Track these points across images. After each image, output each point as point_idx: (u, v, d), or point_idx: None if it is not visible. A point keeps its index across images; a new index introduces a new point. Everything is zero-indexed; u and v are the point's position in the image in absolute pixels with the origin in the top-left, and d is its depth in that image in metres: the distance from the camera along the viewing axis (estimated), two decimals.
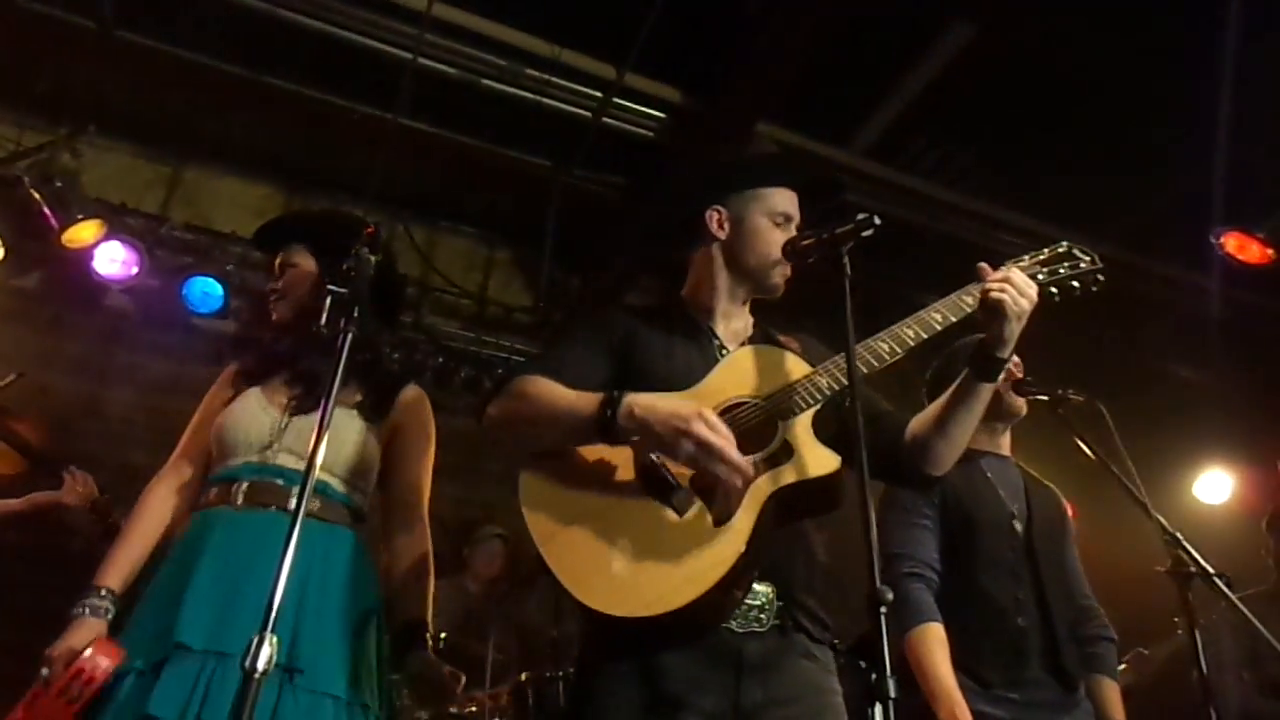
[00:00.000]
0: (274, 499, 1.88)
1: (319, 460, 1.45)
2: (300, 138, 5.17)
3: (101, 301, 4.84)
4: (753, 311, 1.87)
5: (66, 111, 4.78)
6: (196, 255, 4.91)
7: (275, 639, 1.26)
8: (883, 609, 1.14)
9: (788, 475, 1.49)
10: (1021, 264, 1.71)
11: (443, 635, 4.27)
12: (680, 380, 1.64)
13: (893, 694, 1.11)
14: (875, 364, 1.60)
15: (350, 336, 1.54)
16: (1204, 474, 5.75)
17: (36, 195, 4.34)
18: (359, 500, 2.01)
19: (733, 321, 1.83)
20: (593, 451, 1.58)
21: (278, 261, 2.17)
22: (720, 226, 1.81)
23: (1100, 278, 1.74)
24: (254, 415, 1.99)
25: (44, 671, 1.75)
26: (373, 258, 1.64)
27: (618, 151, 4.83)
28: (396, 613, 1.97)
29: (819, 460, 1.51)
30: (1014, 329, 1.56)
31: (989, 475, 2.37)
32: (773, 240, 1.76)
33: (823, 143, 4.64)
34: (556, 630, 4.01)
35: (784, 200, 1.81)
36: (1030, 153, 4.82)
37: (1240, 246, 4.37)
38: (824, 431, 1.55)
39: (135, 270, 4.62)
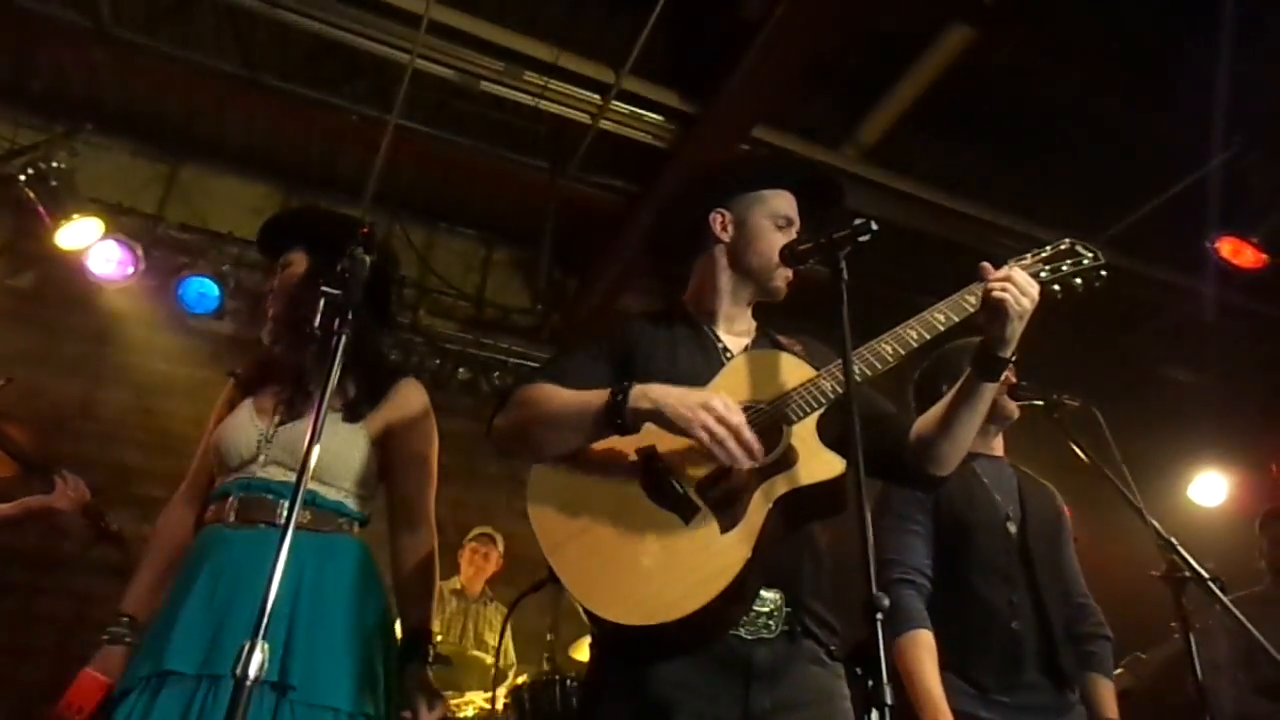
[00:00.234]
0: (263, 514, 1.84)
1: (309, 472, 1.43)
2: (298, 138, 5.17)
3: (96, 301, 4.83)
4: (756, 314, 1.87)
5: (63, 110, 4.77)
6: (192, 255, 4.90)
7: (266, 646, 1.25)
8: (879, 615, 1.13)
9: (793, 480, 1.49)
10: (1024, 262, 1.70)
11: (438, 637, 4.28)
12: (685, 383, 1.63)
13: (889, 700, 1.10)
14: (879, 366, 1.59)
15: (344, 339, 1.52)
16: (1199, 477, 5.77)
17: (31, 194, 4.33)
18: (355, 505, 1.95)
19: (736, 324, 1.82)
20: (599, 459, 1.57)
21: (279, 264, 2.15)
22: (724, 229, 1.81)
23: (1103, 274, 1.73)
24: (243, 428, 1.96)
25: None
26: (367, 258, 1.62)
27: (616, 154, 4.83)
28: (401, 619, 1.95)
29: (823, 464, 1.50)
30: (1016, 328, 1.56)
31: (983, 478, 2.36)
32: (775, 242, 1.76)
33: (820, 146, 4.65)
34: (553, 633, 4.01)
35: (785, 203, 1.82)
36: (1026, 157, 4.83)
37: (1235, 251, 4.39)
38: (828, 435, 1.55)
39: (131, 270, 4.60)
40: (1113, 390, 5.66)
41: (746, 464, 1.43)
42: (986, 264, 1.63)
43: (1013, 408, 2.40)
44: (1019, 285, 1.55)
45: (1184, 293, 5.33)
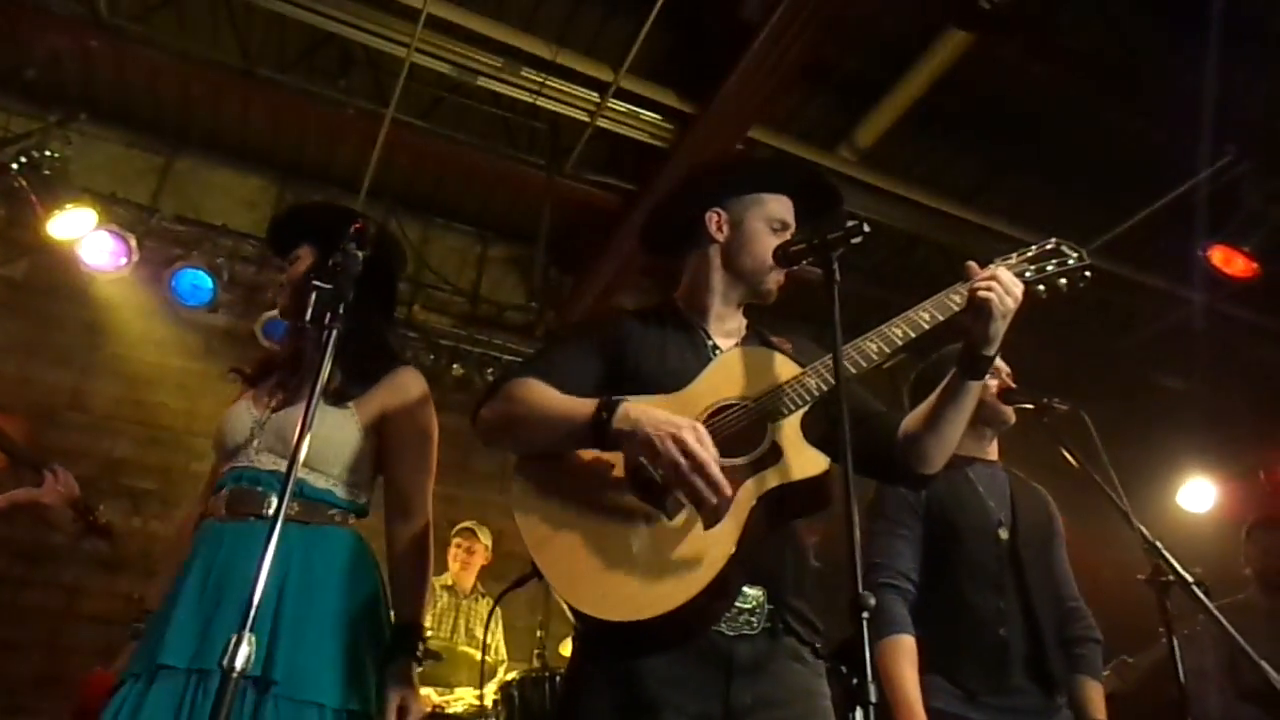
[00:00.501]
0: (251, 506, 1.84)
1: (299, 461, 1.43)
2: (294, 131, 5.16)
3: (89, 292, 4.81)
4: (747, 313, 1.88)
5: (57, 99, 4.75)
6: (186, 247, 4.89)
7: (253, 638, 1.25)
8: (865, 615, 1.14)
9: (776, 477, 1.50)
10: (1009, 262, 1.71)
11: (428, 633, 4.28)
12: (673, 380, 1.64)
13: (874, 699, 1.11)
14: (864, 364, 1.60)
15: (335, 333, 1.52)
16: (1188, 483, 5.81)
17: (24, 183, 4.31)
18: (345, 493, 1.93)
19: (726, 323, 1.83)
20: (585, 456, 1.57)
21: (287, 259, 2.16)
22: (719, 229, 1.81)
23: (1088, 274, 1.74)
24: (239, 416, 1.97)
25: None
26: (360, 253, 1.62)
27: (613, 153, 4.83)
28: (394, 611, 1.93)
29: (807, 461, 1.51)
30: (999, 327, 1.57)
31: (975, 483, 2.37)
32: (769, 246, 1.77)
33: (817, 148, 4.66)
34: (543, 629, 4.01)
35: (782, 208, 1.82)
36: (1020, 162, 4.86)
37: (1226, 259, 4.41)
38: (813, 432, 1.55)
39: (124, 261, 4.59)
40: (1103, 396, 5.69)
41: (711, 499, 1.42)
42: (972, 263, 1.64)
43: (1009, 413, 2.41)
44: (1004, 284, 1.56)
45: (1175, 300, 5.36)
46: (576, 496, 1.54)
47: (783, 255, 1.71)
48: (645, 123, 4.51)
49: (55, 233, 4.39)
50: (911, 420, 1.69)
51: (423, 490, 2.00)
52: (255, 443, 1.90)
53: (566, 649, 4.05)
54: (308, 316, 1.54)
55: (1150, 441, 5.76)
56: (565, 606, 1.46)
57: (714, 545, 1.44)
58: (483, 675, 3.72)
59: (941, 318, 1.65)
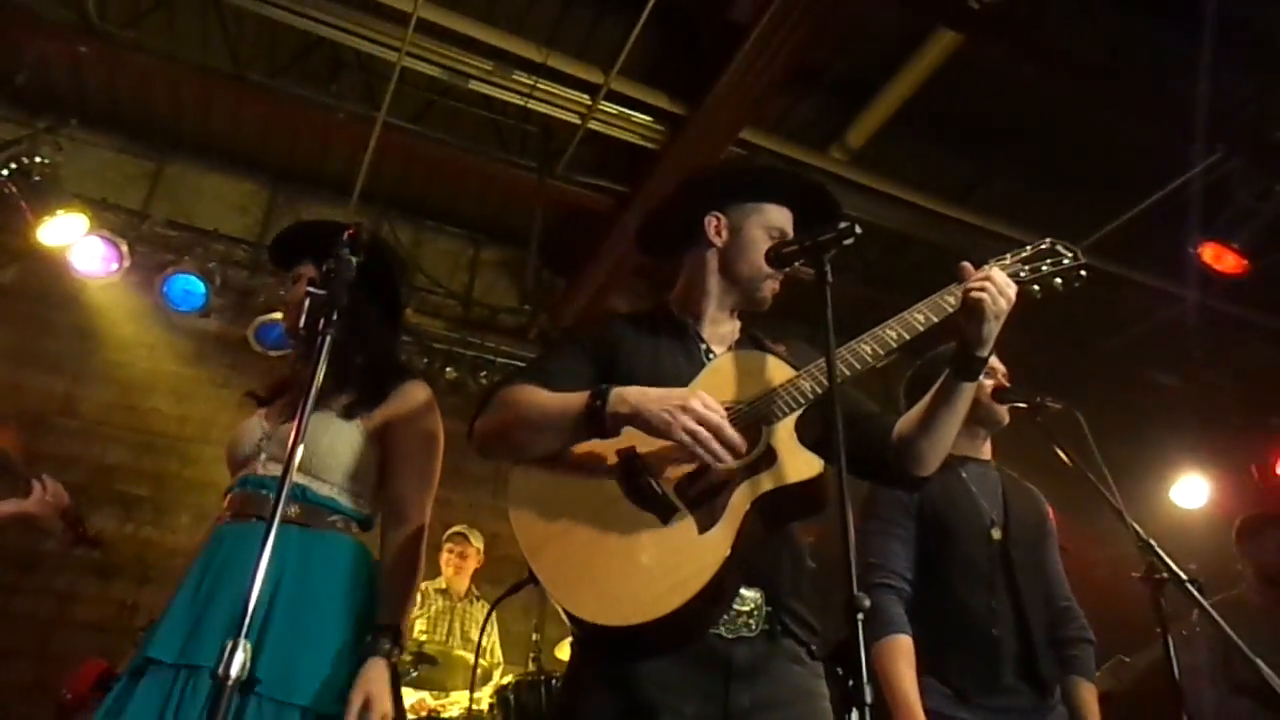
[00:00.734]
0: (255, 509, 1.87)
1: (295, 464, 1.42)
2: (285, 136, 5.15)
3: (80, 298, 4.79)
4: (740, 316, 1.88)
5: (47, 104, 4.73)
6: (178, 252, 4.87)
7: (248, 644, 1.24)
8: (860, 615, 1.14)
9: (771, 480, 1.50)
10: (1003, 262, 1.71)
11: (423, 637, 4.28)
12: (666, 384, 1.63)
13: (869, 700, 1.11)
14: (858, 366, 1.60)
15: (330, 339, 1.52)
16: (1180, 479, 5.83)
17: (15, 189, 4.29)
18: (350, 502, 1.95)
19: (720, 328, 1.83)
20: (579, 461, 1.57)
21: (290, 277, 2.19)
22: (718, 233, 1.81)
23: (1083, 273, 1.74)
24: (250, 430, 2.03)
25: None
26: (354, 259, 1.62)
27: (604, 155, 4.83)
28: (378, 613, 1.92)
29: (802, 464, 1.51)
30: (993, 328, 1.58)
31: (969, 483, 2.37)
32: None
33: (808, 149, 4.67)
34: (539, 633, 4.01)
35: (781, 217, 1.82)
36: (1011, 161, 4.87)
37: (1217, 256, 4.43)
38: (808, 435, 1.55)
39: (115, 266, 4.57)
40: (1096, 393, 5.72)
41: (730, 462, 1.44)
42: (966, 264, 1.64)
43: (1003, 413, 2.42)
44: (997, 285, 1.56)
45: (1167, 297, 5.39)
46: (572, 501, 1.54)
47: (775, 257, 1.71)
48: (636, 125, 4.51)
49: (46, 239, 4.38)
50: (906, 422, 1.69)
51: (419, 500, 1.99)
52: (263, 454, 1.94)
53: (563, 652, 4.05)
54: (301, 323, 1.54)
55: (1143, 438, 5.78)
56: (561, 612, 1.45)
57: (710, 548, 1.44)
58: (481, 677, 3.71)
59: (936, 319, 1.65)
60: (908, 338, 1.64)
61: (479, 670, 3.69)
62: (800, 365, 1.64)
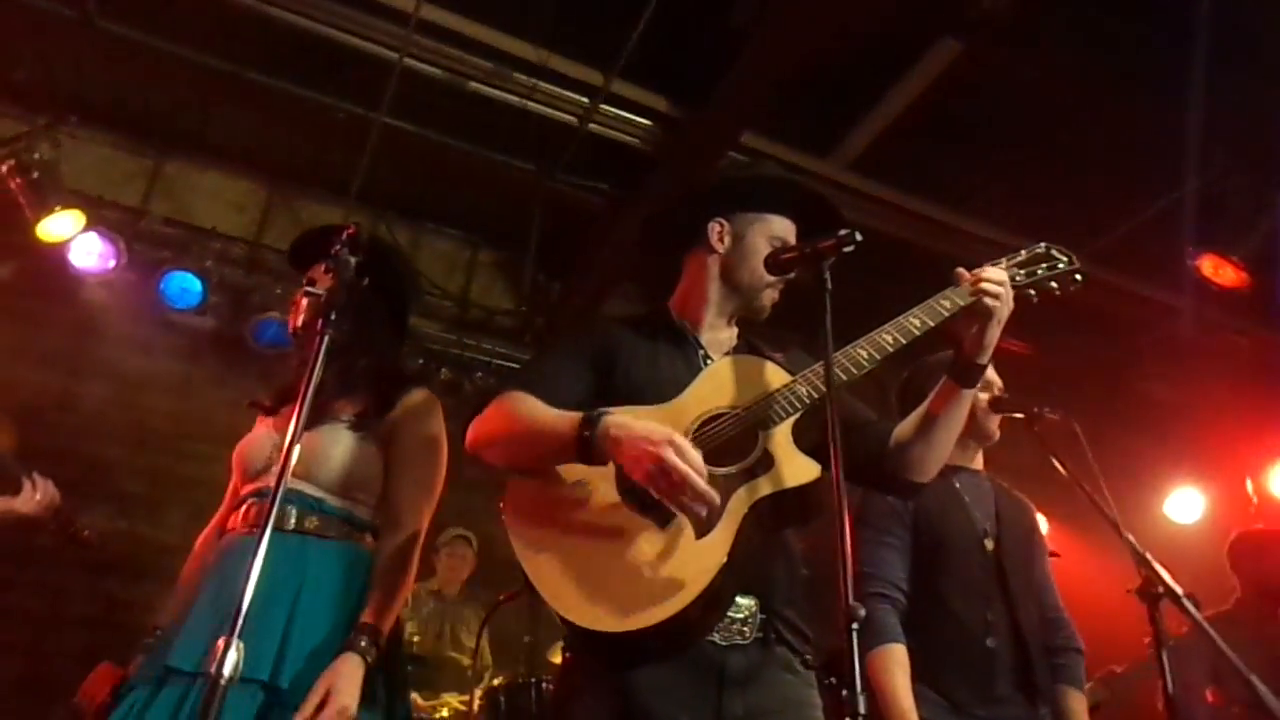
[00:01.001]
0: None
1: (289, 473, 1.43)
2: (284, 134, 5.14)
3: (77, 294, 4.77)
4: (738, 326, 1.88)
5: (46, 101, 4.71)
6: (175, 250, 4.86)
7: (241, 645, 1.25)
8: (855, 625, 1.14)
9: (768, 485, 1.49)
10: (999, 267, 1.71)
11: (414, 639, 4.26)
12: (664, 389, 1.64)
13: (863, 710, 1.11)
14: (854, 371, 1.60)
15: (334, 341, 1.52)
16: (1175, 492, 5.83)
17: (13, 185, 4.28)
18: (359, 513, 1.97)
19: (719, 334, 1.83)
20: (575, 466, 1.56)
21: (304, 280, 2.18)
22: (720, 239, 1.81)
23: (1079, 277, 1.74)
24: (259, 441, 2.04)
25: None
26: (352, 259, 1.61)
27: (603, 158, 4.83)
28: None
29: (799, 469, 1.51)
30: (995, 334, 1.58)
31: (962, 493, 2.37)
32: None
33: (807, 155, 4.67)
34: (531, 635, 4.00)
35: (785, 229, 1.82)
36: (1011, 170, 4.87)
37: (1215, 269, 4.44)
38: (805, 440, 1.55)
39: (113, 263, 4.56)
40: (1092, 404, 5.71)
41: (699, 512, 1.39)
42: (961, 269, 1.64)
43: (994, 428, 2.42)
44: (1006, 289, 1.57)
45: (1164, 309, 5.39)
46: (568, 507, 1.54)
47: (774, 263, 1.71)
48: (636, 128, 4.51)
49: (44, 235, 4.37)
50: (903, 429, 1.69)
51: (417, 507, 1.99)
52: (275, 466, 1.93)
53: (555, 656, 4.04)
54: (299, 322, 1.54)
55: (1139, 450, 5.79)
56: (557, 616, 1.45)
57: (706, 555, 1.44)
58: (472, 679, 3.70)
59: (933, 323, 1.65)
60: (904, 342, 1.65)
61: (467, 672, 3.69)
62: (796, 371, 1.64)
